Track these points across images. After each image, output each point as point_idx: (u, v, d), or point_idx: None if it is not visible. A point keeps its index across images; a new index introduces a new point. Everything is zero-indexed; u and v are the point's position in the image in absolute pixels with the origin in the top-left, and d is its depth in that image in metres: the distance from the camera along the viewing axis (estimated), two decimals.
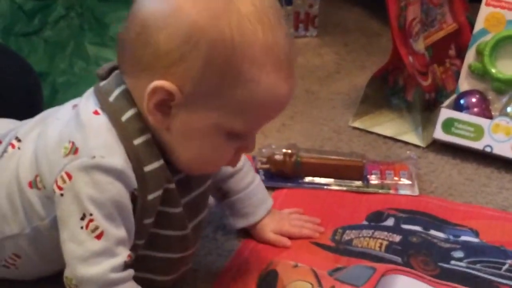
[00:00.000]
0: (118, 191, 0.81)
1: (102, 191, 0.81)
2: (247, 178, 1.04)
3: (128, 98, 0.84)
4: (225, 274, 1.00)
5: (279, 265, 0.99)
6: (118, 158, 0.81)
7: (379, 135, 1.36)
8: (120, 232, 0.82)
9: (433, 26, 1.41)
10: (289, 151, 1.19)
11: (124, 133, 0.83)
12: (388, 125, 1.37)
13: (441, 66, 1.42)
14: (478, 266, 1.03)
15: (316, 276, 0.98)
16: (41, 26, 1.46)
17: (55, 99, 1.33)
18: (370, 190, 1.20)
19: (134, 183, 0.82)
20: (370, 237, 1.08)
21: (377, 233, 1.08)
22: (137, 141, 0.83)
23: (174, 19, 0.79)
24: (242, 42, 0.79)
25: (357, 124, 1.38)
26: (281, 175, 1.19)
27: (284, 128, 1.36)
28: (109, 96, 0.85)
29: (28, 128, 0.92)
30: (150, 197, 0.85)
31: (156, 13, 0.80)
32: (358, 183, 1.20)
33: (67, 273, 0.82)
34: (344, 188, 1.20)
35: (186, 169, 0.87)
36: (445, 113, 1.29)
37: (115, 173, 0.81)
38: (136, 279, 0.85)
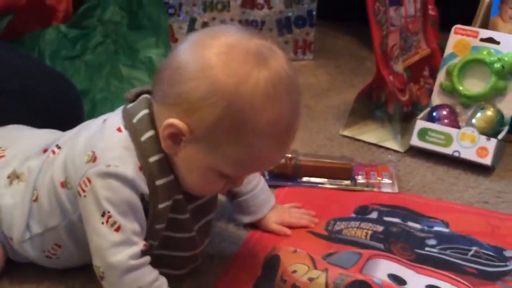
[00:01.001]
0: (130, 194, 0.82)
1: (116, 193, 0.81)
2: (253, 182, 1.03)
3: (149, 121, 0.84)
4: (236, 258, 1.00)
5: (281, 251, 0.99)
6: (129, 169, 0.82)
7: (365, 142, 1.35)
8: (134, 225, 0.82)
9: (410, 50, 1.41)
10: (290, 155, 1.19)
11: (141, 151, 0.83)
12: (372, 134, 1.37)
13: (417, 84, 1.42)
14: (448, 252, 1.03)
15: (312, 259, 0.98)
16: (82, 51, 1.45)
17: (95, 113, 1.32)
18: (357, 188, 1.19)
19: (143, 190, 0.83)
20: (357, 228, 1.07)
21: (363, 224, 1.08)
22: (152, 159, 0.83)
23: (202, 74, 0.78)
24: (252, 113, 0.78)
25: (346, 132, 1.38)
26: (282, 175, 1.19)
27: None
28: (133, 118, 0.85)
29: (67, 137, 0.92)
30: (161, 206, 0.85)
31: (190, 63, 0.79)
32: (347, 182, 1.20)
33: (95, 262, 0.83)
34: (336, 187, 1.20)
35: (186, 189, 0.87)
36: (420, 123, 1.29)
37: (126, 180, 0.81)
38: None
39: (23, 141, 0.97)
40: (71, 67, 1.42)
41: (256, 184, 1.04)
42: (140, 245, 0.82)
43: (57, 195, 0.88)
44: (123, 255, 0.81)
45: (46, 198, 0.89)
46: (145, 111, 0.85)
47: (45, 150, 0.93)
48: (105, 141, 0.84)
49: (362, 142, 1.35)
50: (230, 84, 0.77)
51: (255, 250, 1.01)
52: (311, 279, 0.93)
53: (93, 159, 0.83)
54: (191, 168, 0.84)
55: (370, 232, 1.06)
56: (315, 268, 0.96)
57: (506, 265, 1.01)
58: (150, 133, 0.84)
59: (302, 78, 1.61)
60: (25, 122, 1.05)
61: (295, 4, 1.66)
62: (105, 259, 0.82)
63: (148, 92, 0.88)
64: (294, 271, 0.95)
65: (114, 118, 0.86)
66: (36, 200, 0.90)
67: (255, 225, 1.05)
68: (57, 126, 1.04)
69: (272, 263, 0.98)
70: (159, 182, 0.84)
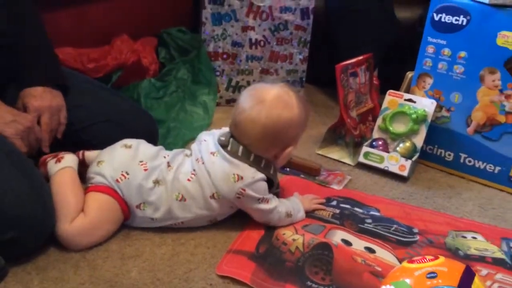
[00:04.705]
0: (265, 184, 0.93)
1: (261, 188, 0.92)
2: None
3: (260, 159, 0.93)
4: (249, 223, 0.99)
5: None
6: (260, 175, 0.92)
7: (330, 158, 1.33)
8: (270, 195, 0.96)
9: (361, 104, 1.39)
10: None
11: (264, 172, 0.93)
12: (335, 153, 1.34)
13: (364, 125, 1.41)
14: (379, 227, 1.03)
15: (295, 228, 0.99)
16: (163, 95, 1.47)
17: (169, 135, 1.32)
18: (323, 184, 1.18)
19: (266, 178, 0.93)
20: (324, 210, 1.07)
21: (327, 208, 1.08)
22: (262, 165, 0.93)
23: (290, 122, 0.91)
24: (306, 119, 0.95)
25: (320, 152, 1.35)
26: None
27: None
28: (249, 159, 0.92)
29: (196, 162, 0.94)
30: (276, 180, 0.96)
31: (285, 123, 0.90)
32: (316, 177, 1.20)
33: (263, 221, 0.96)
34: (307, 178, 1.19)
35: (277, 168, 0.97)
36: (365, 149, 1.28)
37: (262, 179, 0.92)
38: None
39: (154, 157, 0.95)
40: (156, 104, 1.44)
41: None
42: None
43: (207, 201, 0.91)
44: (274, 206, 0.94)
45: (192, 201, 0.92)
46: (253, 155, 0.92)
47: (168, 163, 0.94)
48: (240, 168, 0.90)
49: (328, 158, 1.34)
50: (299, 116, 0.92)
51: (256, 226, 0.99)
52: (294, 240, 0.95)
53: (240, 178, 0.90)
54: (284, 158, 0.95)
55: (331, 213, 1.06)
56: (297, 233, 0.97)
57: (413, 237, 1.01)
58: (263, 163, 0.93)
59: None
60: (122, 139, 1.01)
61: (293, 73, 1.66)
62: (267, 216, 0.94)
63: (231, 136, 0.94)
64: (284, 233, 0.97)
65: (231, 155, 0.91)
66: (181, 200, 0.92)
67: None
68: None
69: (271, 227, 0.98)
70: (270, 171, 0.94)
